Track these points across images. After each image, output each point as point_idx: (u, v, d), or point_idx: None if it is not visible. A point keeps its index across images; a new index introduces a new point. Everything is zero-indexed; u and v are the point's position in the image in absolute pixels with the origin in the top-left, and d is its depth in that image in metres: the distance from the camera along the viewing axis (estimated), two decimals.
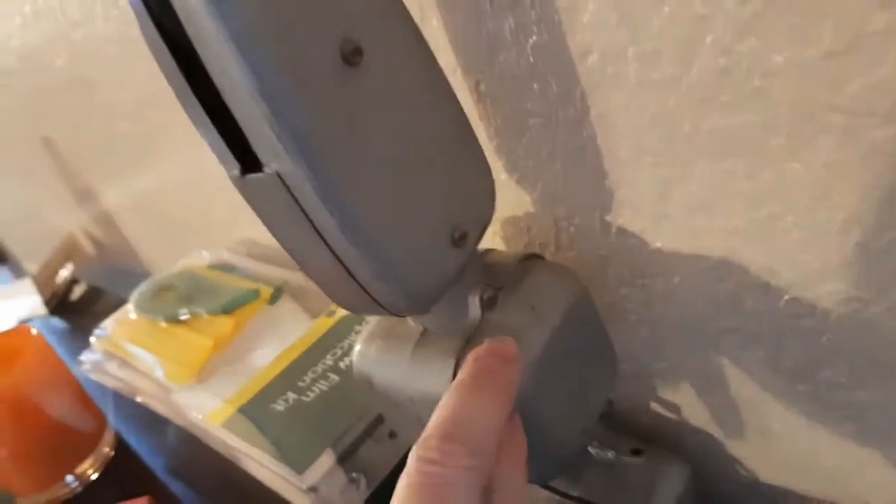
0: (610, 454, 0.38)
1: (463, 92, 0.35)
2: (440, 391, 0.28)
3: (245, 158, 0.23)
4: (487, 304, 0.30)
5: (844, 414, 0.32)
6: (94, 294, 1.07)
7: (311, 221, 0.24)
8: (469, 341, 0.29)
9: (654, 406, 0.41)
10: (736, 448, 0.39)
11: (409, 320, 0.32)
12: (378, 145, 0.24)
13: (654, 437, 0.42)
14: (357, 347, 0.34)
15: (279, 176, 0.23)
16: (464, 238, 0.28)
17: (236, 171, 0.24)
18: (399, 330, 0.32)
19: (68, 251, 1.12)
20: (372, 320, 0.34)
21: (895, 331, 0.28)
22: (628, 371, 0.40)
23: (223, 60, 0.21)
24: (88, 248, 1.15)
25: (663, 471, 0.38)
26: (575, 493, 0.38)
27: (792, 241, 0.28)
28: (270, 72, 0.21)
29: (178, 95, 0.23)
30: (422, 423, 0.30)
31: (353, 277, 0.26)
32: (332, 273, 0.26)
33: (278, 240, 0.26)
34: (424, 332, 0.31)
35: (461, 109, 0.28)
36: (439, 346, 0.30)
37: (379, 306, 0.27)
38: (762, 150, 0.26)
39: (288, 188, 0.23)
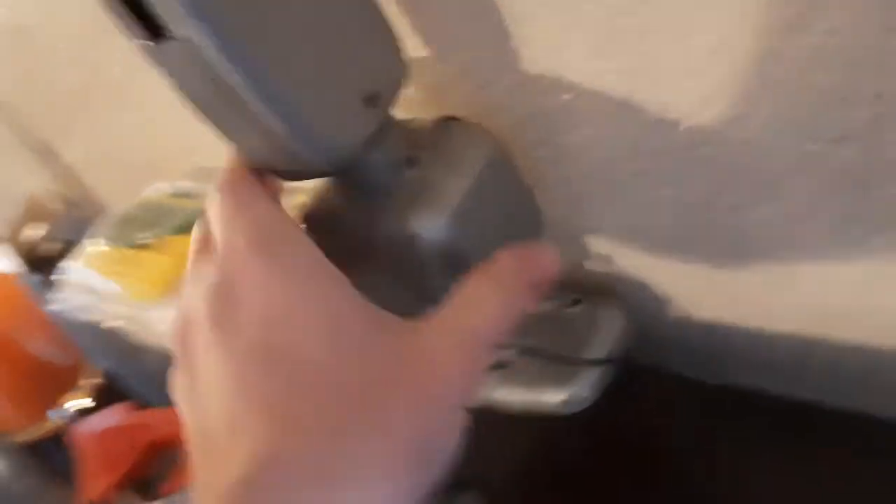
0: (550, 305, 0.41)
1: None
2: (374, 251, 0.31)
3: (153, 30, 0.25)
4: (409, 163, 0.32)
5: (747, 235, 0.35)
6: (67, 248, 1.07)
7: (224, 84, 0.26)
8: (394, 197, 0.32)
9: (588, 260, 0.44)
10: (664, 287, 0.42)
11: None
12: (280, 8, 0.26)
13: (592, 289, 0.45)
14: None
15: (186, 41, 0.25)
16: (376, 98, 0.30)
17: (146, 40, 0.25)
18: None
19: (37, 211, 1.12)
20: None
21: (777, 142, 0.30)
22: (559, 229, 0.42)
23: None
24: (56, 205, 1.16)
25: (600, 315, 0.41)
26: (519, 342, 0.41)
27: (676, 71, 0.30)
28: None
29: None
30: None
31: (272, 138, 0.28)
32: (251, 136, 0.28)
33: (196, 108, 0.28)
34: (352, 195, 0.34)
35: None
36: (366, 205, 0.33)
37: (303, 166, 0.29)
38: None
39: (197, 53, 0.25)
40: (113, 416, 0.47)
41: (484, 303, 0.27)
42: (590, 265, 0.44)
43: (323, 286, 0.26)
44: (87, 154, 0.95)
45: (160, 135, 0.74)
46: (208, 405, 0.25)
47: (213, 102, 0.27)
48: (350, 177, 0.33)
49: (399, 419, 0.23)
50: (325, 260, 0.27)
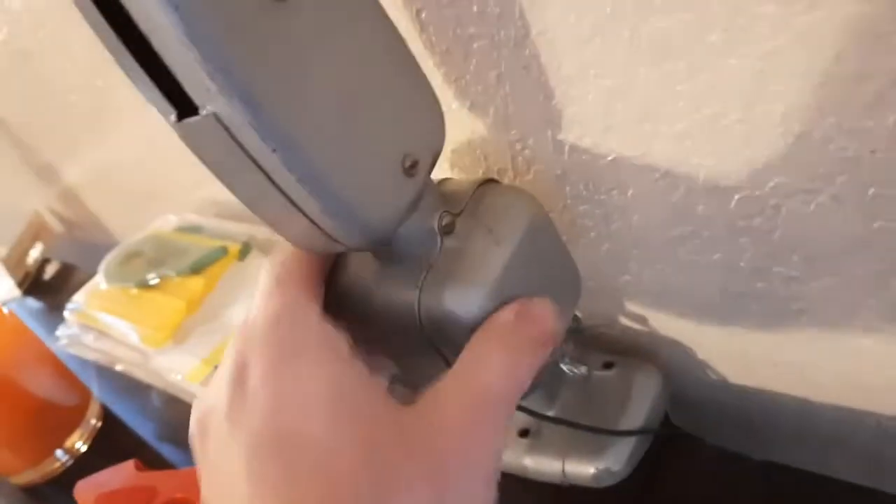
0: (582, 370, 0.39)
1: (405, 22, 0.35)
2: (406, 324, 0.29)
3: (182, 104, 0.23)
4: (445, 231, 0.30)
5: (800, 307, 0.33)
6: (66, 271, 1.06)
7: (254, 161, 0.24)
8: (429, 269, 0.30)
9: (622, 319, 0.42)
10: (703, 352, 0.40)
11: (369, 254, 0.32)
12: (316, 79, 0.24)
13: (624, 350, 0.43)
14: None
15: (216, 117, 0.23)
16: (415, 166, 0.28)
17: (173, 116, 0.23)
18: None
19: (36, 231, 1.10)
20: None
21: (843, 218, 0.28)
22: (593, 287, 0.40)
23: (147, 6, 0.21)
24: (56, 226, 1.14)
25: (635, 380, 0.39)
26: (550, 413, 0.39)
27: (736, 139, 0.28)
28: (196, 13, 0.21)
29: (109, 48, 0.23)
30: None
31: (305, 215, 0.26)
32: (283, 213, 0.26)
33: (226, 184, 0.26)
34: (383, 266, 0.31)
35: (401, 38, 0.28)
36: (400, 278, 0.31)
37: (335, 242, 0.27)
38: (699, 50, 0.27)
39: (227, 129, 0.23)
40: (118, 475, 0.45)
41: (489, 360, 0.26)
42: (625, 324, 0.42)
43: (327, 368, 0.26)
44: (90, 176, 0.93)
45: (165, 162, 0.72)
46: (223, 492, 0.25)
47: (240, 177, 0.25)
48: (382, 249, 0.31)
49: (416, 498, 0.23)
50: (335, 339, 0.27)
